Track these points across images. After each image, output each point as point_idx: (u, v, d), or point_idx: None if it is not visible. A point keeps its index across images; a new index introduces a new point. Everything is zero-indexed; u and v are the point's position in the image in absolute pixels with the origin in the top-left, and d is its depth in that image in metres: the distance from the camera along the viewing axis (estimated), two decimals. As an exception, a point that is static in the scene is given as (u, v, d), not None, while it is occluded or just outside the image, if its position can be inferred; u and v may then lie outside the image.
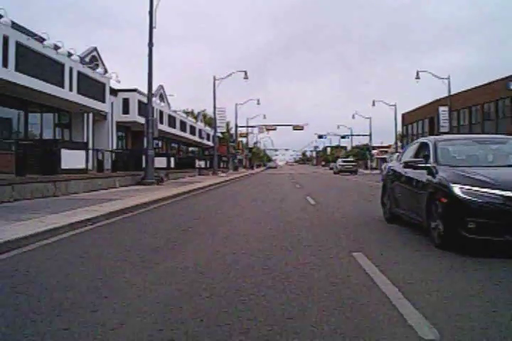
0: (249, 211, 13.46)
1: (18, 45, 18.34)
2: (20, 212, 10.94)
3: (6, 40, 17.60)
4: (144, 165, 25.02)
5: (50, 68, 20.93)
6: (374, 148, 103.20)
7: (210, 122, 69.12)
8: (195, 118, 68.25)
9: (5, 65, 17.58)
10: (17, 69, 18.26)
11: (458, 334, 3.54)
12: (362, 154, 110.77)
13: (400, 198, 9.59)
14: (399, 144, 78.40)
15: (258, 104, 67.15)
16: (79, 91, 23.60)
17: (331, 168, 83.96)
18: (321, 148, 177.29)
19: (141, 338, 3.49)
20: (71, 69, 22.88)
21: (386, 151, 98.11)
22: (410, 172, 8.91)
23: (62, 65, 22.14)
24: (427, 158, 8.57)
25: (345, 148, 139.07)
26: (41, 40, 20.65)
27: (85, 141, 26.23)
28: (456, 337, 3.48)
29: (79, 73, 23.75)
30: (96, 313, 4.03)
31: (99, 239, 8.45)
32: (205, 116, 76.87)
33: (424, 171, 8.11)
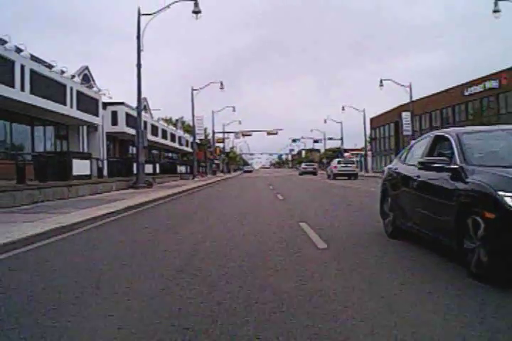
0: (230, 203, 17.17)
1: (32, 72, 21.78)
2: (56, 209, 14.40)
3: (22, 68, 21.01)
4: (135, 171, 28.54)
5: (55, 89, 24.37)
6: (346, 150, 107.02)
7: (188, 129, 72.80)
8: (174, 125, 71.68)
9: (22, 89, 21.00)
10: (31, 92, 21.69)
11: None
12: (335, 157, 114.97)
13: (409, 209, 7.74)
14: (368, 147, 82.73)
15: (234, 111, 70.86)
16: (78, 108, 27.06)
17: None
18: (296, 151, 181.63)
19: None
20: (71, 89, 26.34)
21: (357, 154, 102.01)
22: (424, 176, 7.20)
23: (65, 86, 25.58)
24: (448, 156, 6.83)
25: (318, 151, 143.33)
26: (47, 64, 24.07)
27: (81, 150, 29.65)
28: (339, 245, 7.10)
29: (78, 92, 27.21)
30: (160, 245, 7.68)
31: (129, 223, 12.11)
32: (183, 123, 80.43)
33: (445, 174, 6.51)
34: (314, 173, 70.05)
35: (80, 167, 21.65)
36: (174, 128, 63.73)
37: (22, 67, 20.96)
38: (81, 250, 7.91)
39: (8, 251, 7.50)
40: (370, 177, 52.88)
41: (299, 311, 4.14)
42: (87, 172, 22.76)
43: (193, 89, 52.13)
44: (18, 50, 21.07)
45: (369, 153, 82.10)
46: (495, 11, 30.65)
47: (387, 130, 72.54)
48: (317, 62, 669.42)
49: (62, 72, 25.51)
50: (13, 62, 20.25)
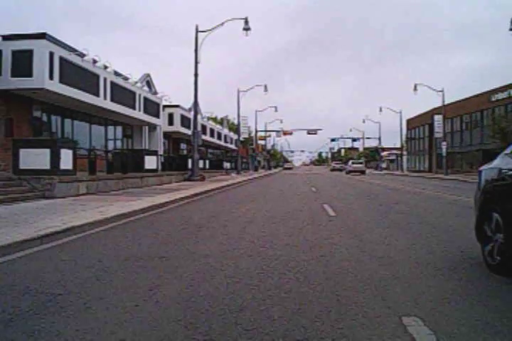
0: (273, 192, 21.53)
1: (112, 84, 26.52)
2: (141, 194, 18.95)
3: (105, 80, 25.75)
4: (189, 166, 33.24)
5: (128, 96, 29.14)
6: (384, 149, 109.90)
7: (233, 127, 77.58)
8: (219, 123, 76.41)
9: (105, 98, 25.74)
10: (111, 100, 26.44)
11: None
12: (372, 156, 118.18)
13: None
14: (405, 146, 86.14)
15: (276, 111, 75.03)
16: (144, 111, 31.82)
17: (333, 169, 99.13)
18: (336, 149, 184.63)
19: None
20: (140, 96, 31.09)
21: (395, 153, 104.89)
22: None
23: (135, 93, 30.34)
24: None
25: (357, 149, 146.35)
26: (123, 76, 28.80)
27: (143, 147, 34.46)
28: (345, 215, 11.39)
29: (144, 98, 31.96)
30: (231, 214, 12.07)
31: (201, 204, 16.53)
32: (228, 121, 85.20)
33: None
34: (340, 170, 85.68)
35: (149, 162, 26.38)
36: (220, 127, 68.41)
37: (105, 79, 25.70)
38: (179, 215, 12.39)
39: (139, 214, 12.07)
40: (400, 176, 56.72)
41: (312, 238, 8.48)
42: (154, 167, 27.47)
43: (239, 91, 56.71)
44: (104, 67, 25.78)
45: (404, 152, 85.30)
46: (511, 29, 34.08)
47: (422, 131, 75.58)
48: (359, 61, 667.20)
49: (126, 78, 30.03)
50: (98, 76, 24.99)
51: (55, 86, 20.36)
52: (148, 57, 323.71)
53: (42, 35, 19.71)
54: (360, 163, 74.27)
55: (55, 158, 16.59)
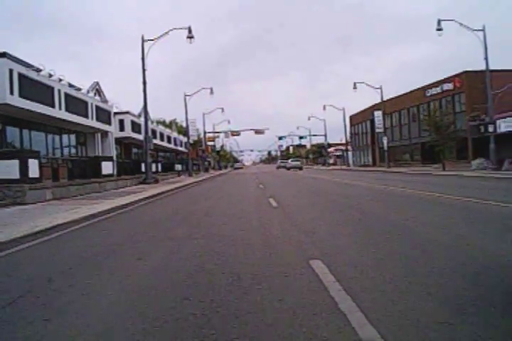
0: (225, 190, 23.51)
1: (66, 95, 27.97)
2: (102, 198, 20.64)
3: (59, 92, 27.20)
4: (143, 169, 34.94)
5: (81, 105, 30.56)
6: (331, 145, 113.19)
7: (181, 130, 79.11)
8: (169, 126, 77.81)
9: (60, 108, 27.19)
10: (67, 110, 27.90)
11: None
12: (319, 152, 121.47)
13: None
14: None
15: (223, 111, 76.84)
16: (97, 119, 33.27)
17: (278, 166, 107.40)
18: (284, 147, 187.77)
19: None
20: (92, 104, 32.52)
21: (341, 149, 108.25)
22: None
23: (87, 102, 31.78)
24: None
25: (305, 146, 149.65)
26: (76, 87, 30.25)
27: (96, 154, 35.89)
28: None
29: (96, 106, 33.40)
30: (187, 210, 14.01)
31: (160, 203, 18.38)
32: (176, 124, 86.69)
33: None
34: (285, 167, 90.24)
35: (106, 167, 28.01)
36: (169, 131, 69.87)
37: (59, 91, 27.14)
38: (142, 212, 14.25)
39: (106, 214, 13.88)
40: (343, 171, 59.63)
41: (256, 220, 10.53)
42: (111, 172, 29.09)
43: (185, 95, 58.38)
44: (59, 80, 27.22)
45: (350, 148, 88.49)
46: (438, 29, 37.08)
47: (365, 127, 78.86)
48: (304, 58, 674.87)
49: (79, 89, 31.46)
50: (53, 89, 26.43)
51: (16, 100, 21.74)
52: (91, 62, 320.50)
53: (2, 54, 21.05)
54: (298, 161, 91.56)
55: (24, 168, 18.16)
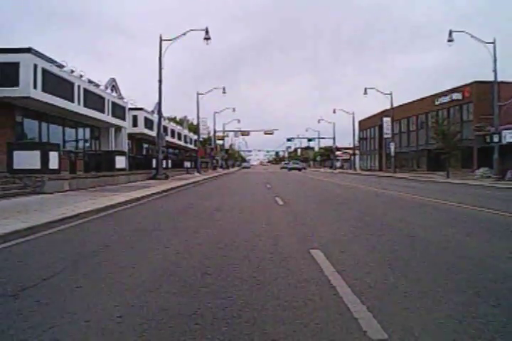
0: (233, 188, 24.44)
1: (85, 90, 29.02)
2: (116, 191, 21.60)
3: (79, 88, 28.25)
4: (154, 165, 36.00)
5: (98, 101, 31.62)
6: (339, 149, 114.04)
7: (192, 128, 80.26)
8: (179, 123, 78.98)
9: (79, 103, 28.25)
10: (85, 105, 28.95)
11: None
12: (327, 155, 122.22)
13: None
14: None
15: (233, 111, 77.92)
16: (112, 115, 34.33)
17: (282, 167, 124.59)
18: (293, 148, 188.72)
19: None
20: (108, 100, 33.58)
21: (349, 153, 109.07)
22: None
23: (104, 98, 32.83)
24: None
25: (313, 149, 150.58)
26: (95, 83, 31.30)
27: (110, 148, 36.96)
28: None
29: (112, 102, 34.46)
30: (201, 205, 14.97)
31: (172, 198, 19.36)
32: (187, 122, 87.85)
33: None
34: (298, 169, 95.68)
35: (120, 162, 29.04)
36: (180, 127, 70.99)
37: (79, 87, 28.19)
38: (157, 205, 15.22)
39: (125, 205, 14.86)
40: (350, 174, 60.45)
41: (263, 215, 11.47)
42: (124, 166, 30.12)
43: (198, 94, 59.43)
44: (80, 76, 28.28)
45: (357, 152, 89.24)
46: (449, 40, 37.91)
47: (373, 132, 79.64)
48: (315, 60, 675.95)
49: (97, 85, 32.59)
50: (73, 84, 27.48)
51: (38, 94, 22.79)
52: (107, 57, 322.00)
53: (27, 50, 22.10)
54: (297, 164, 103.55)
55: (45, 159, 19.18)
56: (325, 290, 5.08)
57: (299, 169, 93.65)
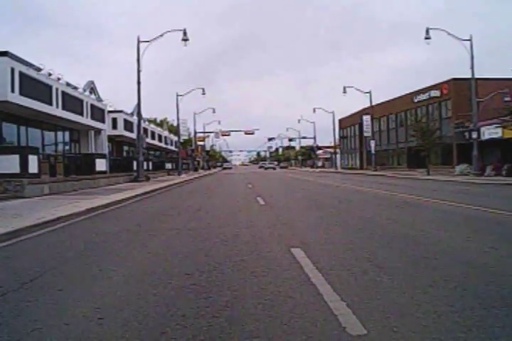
0: (214, 189, 24.47)
1: (64, 94, 28.83)
2: (97, 194, 21.52)
3: (57, 90, 28.05)
4: (135, 167, 35.86)
5: (77, 104, 31.43)
6: (320, 148, 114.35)
7: (172, 129, 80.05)
8: (159, 125, 78.74)
9: (57, 106, 28.05)
10: (64, 108, 28.77)
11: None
12: (308, 154, 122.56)
13: None
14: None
15: (214, 112, 77.78)
16: (91, 117, 34.14)
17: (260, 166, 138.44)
18: (274, 148, 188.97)
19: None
20: (87, 103, 33.39)
21: (330, 152, 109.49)
22: None
23: (82, 101, 32.64)
24: None
25: (294, 148, 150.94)
26: (73, 86, 31.09)
27: (89, 151, 36.76)
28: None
29: (91, 105, 34.27)
30: (181, 205, 14.98)
31: (154, 199, 19.32)
32: (167, 123, 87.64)
33: None
34: (273, 168, 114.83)
35: (100, 164, 28.92)
36: (160, 129, 70.76)
37: (57, 90, 28.00)
38: (138, 207, 15.20)
39: (106, 208, 14.82)
40: (330, 173, 60.75)
41: (243, 214, 11.52)
42: (104, 169, 29.99)
43: (177, 95, 59.26)
44: (58, 79, 28.09)
45: (338, 150, 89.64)
46: (426, 38, 38.19)
47: (353, 130, 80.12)
48: (294, 59, 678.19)
49: (75, 88, 32.36)
50: (51, 87, 27.28)
51: (16, 98, 22.57)
52: (84, 59, 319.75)
53: (4, 53, 21.89)
54: (272, 163, 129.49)
55: (24, 163, 19.04)
56: (305, 287, 5.13)
57: (273, 168, 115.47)
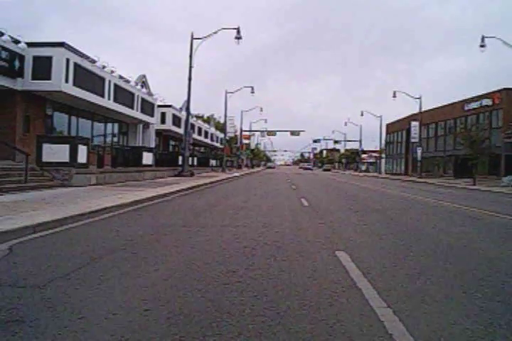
0: (258, 187, 24.47)
1: (116, 86, 29.30)
2: (143, 186, 21.77)
3: (109, 83, 28.50)
4: (179, 162, 36.17)
5: (128, 97, 31.93)
6: (365, 152, 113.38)
7: (218, 126, 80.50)
8: (206, 121, 79.29)
9: (109, 98, 28.51)
10: (115, 100, 29.25)
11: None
12: (352, 158, 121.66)
13: None
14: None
15: (261, 111, 77.92)
16: (141, 111, 34.63)
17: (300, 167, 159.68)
18: (318, 149, 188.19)
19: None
20: (138, 96, 33.89)
21: (375, 156, 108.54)
22: None
23: (133, 94, 33.12)
24: None
25: (339, 150, 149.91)
26: (122, 78, 31.56)
27: (137, 144, 37.27)
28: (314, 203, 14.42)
29: (142, 99, 34.76)
30: (227, 201, 15.02)
31: (198, 195, 19.43)
32: (214, 120, 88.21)
33: None
34: (310, 169, 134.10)
35: (147, 158, 29.25)
36: (207, 126, 71.28)
37: (109, 82, 28.48)
38: (183, 202, 15.30)
39: (151, 201, 14.99)
40: (374, 178, 60.06)
41: (288, 210, 11.46)
42: (150, 162, 30.34)
43: (226, 92, 59.53)
44: (111, 71, 28.57)
45: (383, 155, 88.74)
46: (481, 46, 37.38)
47: (400, 136, 79.05)
48: (344, 62, 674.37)
49: (128, 81, 32.92)
50: (104, 79, 27.76)
51: (69, 88, 23.10)
52: (136, 52, 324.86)
53: (61, 44, 22.42)
54: (309, 165, 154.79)
55: (74, 153, 19.39)
56: (351, 292, 5.05)
57: (311, 169, 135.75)
